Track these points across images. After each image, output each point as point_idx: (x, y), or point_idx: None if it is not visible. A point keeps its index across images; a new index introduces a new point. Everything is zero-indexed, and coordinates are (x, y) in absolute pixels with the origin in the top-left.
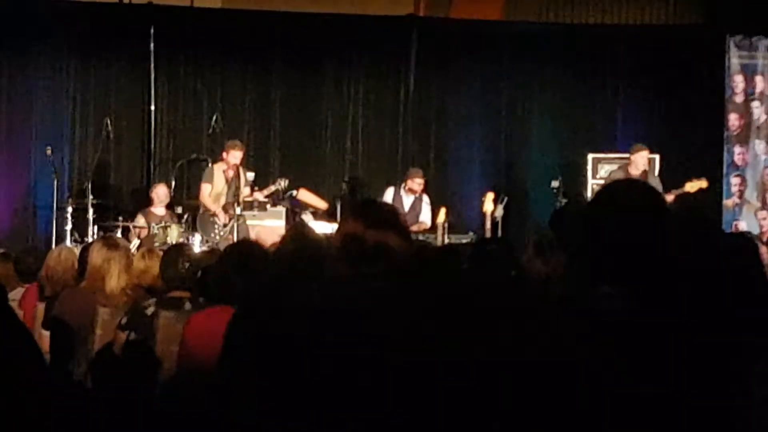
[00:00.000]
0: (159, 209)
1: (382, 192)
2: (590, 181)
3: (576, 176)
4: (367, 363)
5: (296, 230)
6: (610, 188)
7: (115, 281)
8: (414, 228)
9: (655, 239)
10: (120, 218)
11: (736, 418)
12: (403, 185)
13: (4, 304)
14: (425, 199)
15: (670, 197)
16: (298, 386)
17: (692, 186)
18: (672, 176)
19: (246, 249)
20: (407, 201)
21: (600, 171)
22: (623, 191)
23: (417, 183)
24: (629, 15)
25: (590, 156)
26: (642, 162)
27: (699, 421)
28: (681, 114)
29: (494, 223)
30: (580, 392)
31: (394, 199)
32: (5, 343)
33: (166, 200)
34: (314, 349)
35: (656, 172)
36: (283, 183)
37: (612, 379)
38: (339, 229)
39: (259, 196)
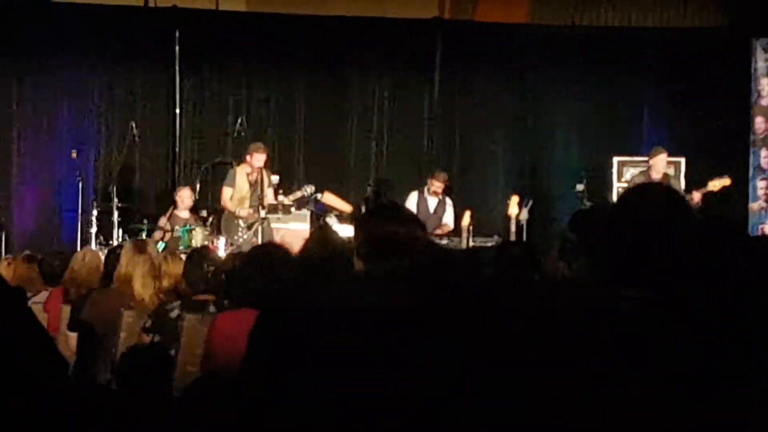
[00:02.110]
0: (183, 212)
1: (406, 195)
2: (615, 185)
3: (601, 179)
4: (390, 365)
5: (320, 233)
6: (632, 191)
7: (143, 285)
8: (438, 231)
9: (676, 242)
10: (144, 221)
11: (757, 423)
12: (426, 188)
13: (24, 305)
14: (448, 201)
15: (697, 196)
16: (321, 389)
17: (715, 184)
18: (697, 179)
19: (270, 252)
20: (431, 203)
21: (625, 174)
22: (645, 194)
23: (439, 184)
24: (654, 18)
25: (615, 159)
26: (661, 165)
27: (721, 424)
28: (706, 117)
29: (519, 227)
30: (602, 395)
31: (418, 203)
32: (24, 344)
33: (190, 203)
34: (338, 351)
35: (682, 176)
36: (309, 189)
37: (634, 382)
38: (357, 228)
39: (285, 200)
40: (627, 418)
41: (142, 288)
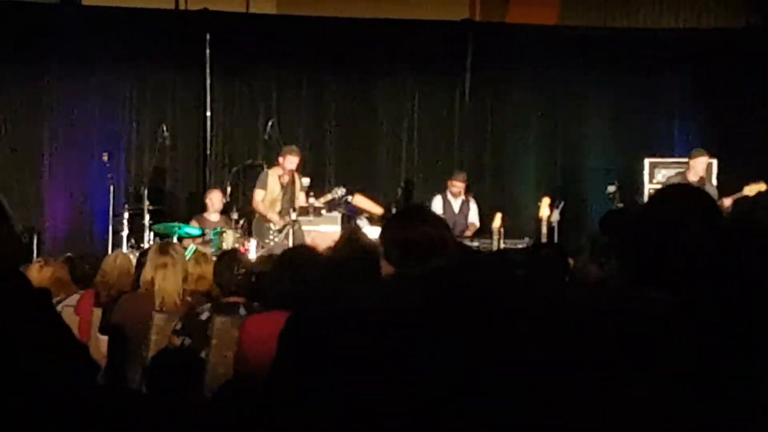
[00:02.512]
0: (213, 215)
1: (432, 198)
2: (647, 186)
3: (632, 181)
4: (419, 366)
5: (349, 235)
6: (663, 192)
7: (169, 287)
8: (467, 233)
9: (706, 244)
10: (175, 224)
11: None
12: (448, 190)
13: (50, 306)
14: (471, 200)
15: (728, 201)
16: (349, 390)
17: (751, 189)
18: (730, 181)
19: (300, 254)
20: (456, 205)
21: (657, 175)
22: (676, 195)
23: (460, 184)
24: (686, 19)
25: (647, 161)
26: (701, 167)
27: (747, 426)
28: (739, 118)
29: (550, 229)
30: (629, 397)
31: (444, 206)
32: (49, 346)
33: (220, 206)
34: (366, 353)
35: (714, 177)
36: (340, 191)
37: (661, 383)
38: (383, 232)
39: (316, 202)
40: (652, 419)
41: (168, 290)
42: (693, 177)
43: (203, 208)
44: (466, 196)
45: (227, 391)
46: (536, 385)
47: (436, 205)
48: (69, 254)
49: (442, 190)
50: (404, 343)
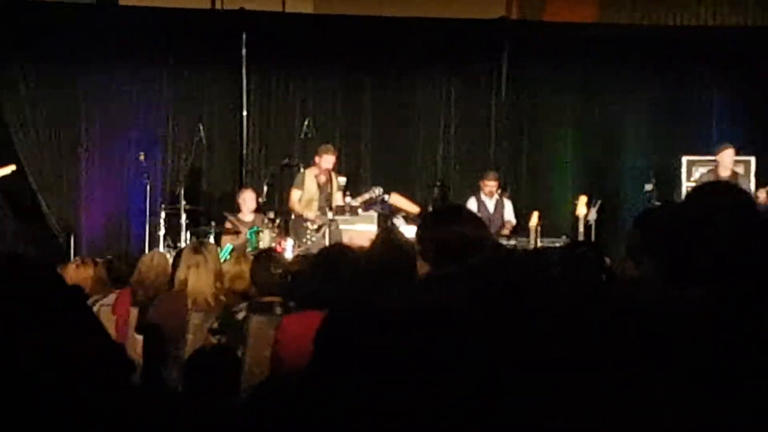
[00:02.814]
0: (247, 215)
1: (467, 199)
2: (684, 184)
3: (670, 179)
4: (457, 366)
5: (385, 234)
6: (697, 190)
7: (201, 286)
8: (504, 231)
9: (741, 241)
10: (212, 223)
11: None
12: (481, 190)
13: (83, 305)
14: (506, 198)
15: (762, 194)
16: (386, 391)
17: None
18: None
19: (336, 253)
20: (490, 204)
21: (695, 174)
22: (708, 193)
23: (492, 183)
24: (724, 16)
25: (684, 159)
26: (728, 160)
27: None
28: None
29: (587, 227)
30: (666, 395)
31: (478, 206)
32: (82, 344)
33: (254, 206)
34: (404, 353)
35: (752, 175)
36: (377, 191)
37: (698, 382)
38: (419, 230)
39: (353, 202)
40: (685, 417)
41: (200, 289)
42: (724, 172)
43: (236, 207)
44: (500, 195)
45: (263, 390)
46: (572, 384)
47: (471, 207)
48: (108, 257)
49: (475, 191)
50: (440, 343)
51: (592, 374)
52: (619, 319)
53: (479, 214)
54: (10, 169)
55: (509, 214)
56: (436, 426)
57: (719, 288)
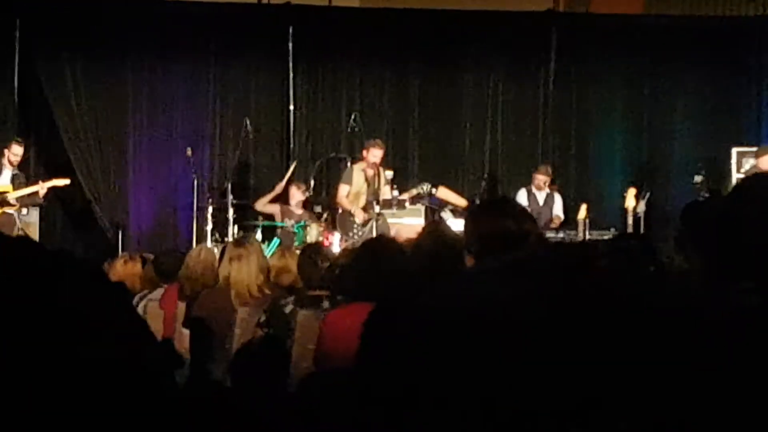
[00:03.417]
0: (296, 209)
1: (521, 189)
2: (734, 176)
3: (720, 171)
4: (507, 358)
5: (433, 227)
6: (749, 181)
7: (243, 279)
8: (552, 225)
9: None
10: (259, 218)
11: None
12: (532, 183)
13: (127, 301)
14: (556, 193)
15: None
16: (435, 386)
17: None
18: None
19: (382, 246)
20: (540, 198)
21: (744, 165)
22: (756, 185)
23: (544, 177)
24: None
25: (734, 150)
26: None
27: None
28: None
29: (636, 219)
30: (720, 391)
31: (528, 198)
32: (125, 340)
33: (302, 199)
34: (452, 346)
35: None
36: (425, 187)
37: (753, 377)
38: (467, 224)
39: (401, 197)
40: (748, 413)
41: (242, 282)
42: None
43: (286, 201)
44: (550, 189)
45: (309, 385)
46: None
47: (521, 198)
48: (156, 252)
49: (527, 183)
50: (513, 339)
51: (659, 370)
52: (680, 312)
53: (528, 207)
54: (63, 182)
55: (558, 209)
56: (487, 422)
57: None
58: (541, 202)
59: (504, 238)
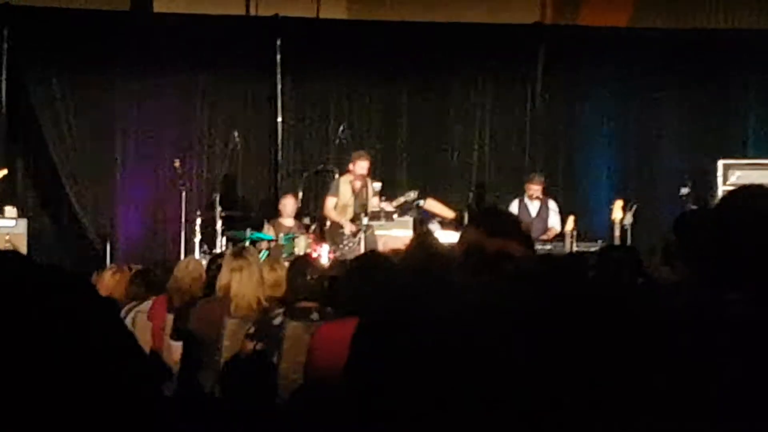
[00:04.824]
0: (287, 220)
1: (509, 200)
2: (720, 188)
3: (706, 183)
4: (495, 372)
5: (420, 240)
6: (739, 192)
7: (246, 290)
8: (543, 237)
9: None
10: (248, 230)
11: None
12: (525, 194)
13: (116, 315)
14: (551, 204)
15: None
16: (425, 397)
17: None
18: None
19: (372, 259)
20: (533, 208)
21: (731, 177)
22: (751, 195)
23: (536, 187)
24: (760, 19)
25: (720, 162)
26: None
27: None
28: None
29: (623, 231)
30: (708, 400)
31: (519, 210)
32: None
33: (294, 211)
34: (441, 360)
35: None
36: (412, 195)
37: (742, 387)
38: (461, 238)
39: (388, 206)
40: (734, 421)
41: (245, 293)
42: None
43: (276, 213)
44: (544, 199)
45: (298, 397)
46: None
47: (513, 210)
48: (144, 264)
49: (515, 194)
50: (501, 348)
51: (648, 380)
52: (665, 322)
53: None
54: (1, 173)
55: (554, 220)
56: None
57: (757, 292)
58: (533, 213)
59: (481, 254)
